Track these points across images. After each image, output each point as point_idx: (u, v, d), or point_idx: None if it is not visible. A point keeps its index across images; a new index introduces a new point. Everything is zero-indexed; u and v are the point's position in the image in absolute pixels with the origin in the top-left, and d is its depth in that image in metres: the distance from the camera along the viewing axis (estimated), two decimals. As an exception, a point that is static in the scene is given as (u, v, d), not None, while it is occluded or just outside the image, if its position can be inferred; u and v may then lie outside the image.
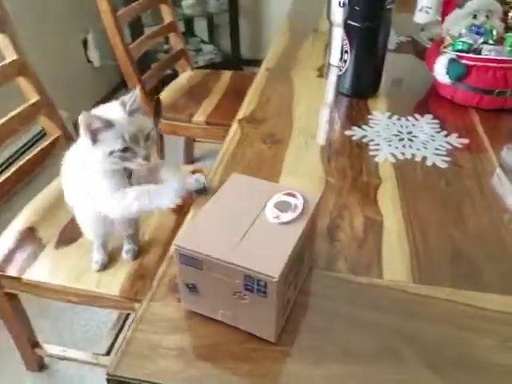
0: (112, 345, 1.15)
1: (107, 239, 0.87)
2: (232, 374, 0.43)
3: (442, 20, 0.95)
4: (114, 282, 0.86)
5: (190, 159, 2.00)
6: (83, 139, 0.62)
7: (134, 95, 0.64)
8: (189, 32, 2.87)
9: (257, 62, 1.10)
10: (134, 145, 0.62)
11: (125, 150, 0.61)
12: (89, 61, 2.34)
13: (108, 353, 1.13)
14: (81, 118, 0.59)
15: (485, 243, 0.57)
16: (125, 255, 0.89)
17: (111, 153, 0.61)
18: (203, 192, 0.66)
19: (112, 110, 0.64)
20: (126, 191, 0.65)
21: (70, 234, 0.95)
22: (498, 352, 0.44)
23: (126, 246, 0.89)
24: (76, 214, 0.81)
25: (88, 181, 0.68)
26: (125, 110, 0.63)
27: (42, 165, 1.09)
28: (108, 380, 0.43)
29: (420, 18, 1.29)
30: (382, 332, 0.46)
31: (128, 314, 1.20)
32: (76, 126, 0.66)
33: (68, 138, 1.17)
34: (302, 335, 0.46)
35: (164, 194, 0.62)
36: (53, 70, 1.98)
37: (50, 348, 1.16)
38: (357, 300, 0.50)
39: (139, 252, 0.90)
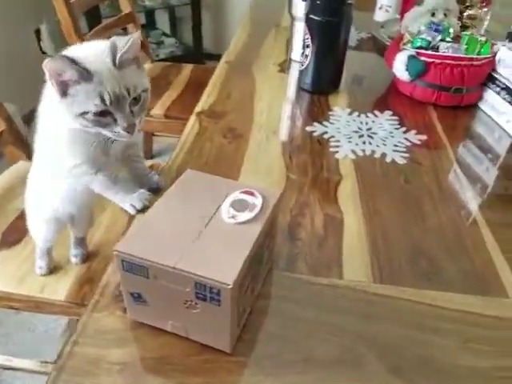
0: (62, 352, 1.08)
1: (53, 245, 0.80)
2: (182, 389, 0.39)
3: (401, 17, 0.95)
4: (59, 287, 0.80)
5: (148, 154, 1.93)
6: (49, 88, 0.49)
7: (131, 41, 0.48)
8: (150, 24, 2.78)
9: (219, 57, 1.06)
10: (115, 109, 0.48)
11: (102, 113, 0.48)
12: (43, 52, 2.21)
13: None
14: (47, 63, 0.45)
15: (444, 241, 0.56)
16: (73, 259, 0.83)
17: (83, 114, 0.48)
18: (157, 191, 0.62)
19: (96, 55, 0.48)
20: (95, 176, 0.55)
21: (13, 235, 0.88)
22: (459, 353, 0.43)
23: (74, 250, 0.83)
24: (29, 209, 0.73)
25: (52, 138, 0.55)
26: (114, 58, 0.48)
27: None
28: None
29: (380, 16, 1.29)
30: (343, 335, 0.44)
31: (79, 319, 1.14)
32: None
33: (13, 132, 1.09)
34: (259, 344, 0.43)
35: (131, 200, 0.56)
36: (1, 61, 1.85)
37: (-6, 358, 1.08)
38: (317, 302, 0.48)
39: (87, 255, 0.85)
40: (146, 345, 0.43)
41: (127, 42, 0.49)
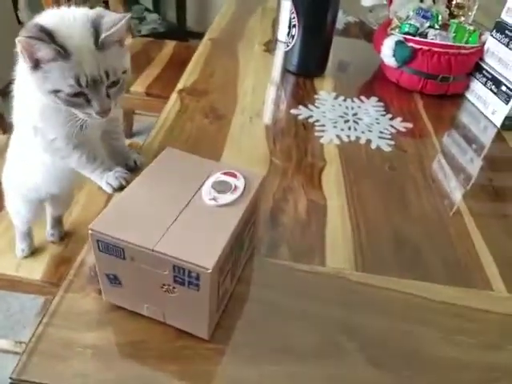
0: (34, 333, 1.05)
1: (32, 226, 0.77)
2: (157, 375, 0.38)
3: (390, 2, 0.94)
4: (35, 266, 0.78)
5: (128, 133, 1.88)
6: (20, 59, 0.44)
7: (120, 24, 0.44)
8: (132, -1, 2.68)
9: (203, 35, 1.03)
10: (91, 91, 0.45)
11: (76, 94, 0.44)
12: (20, 22, 2.10)
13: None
14: (20, 37, 0.40)
15: (428, 230, 0.56)
16: (50, 237, 0.81)
17: (55, 92, 0.44)
18: (135, 170, 0.59)
19: (76, 29, 0.43)
20: (72, 152, 0.51)
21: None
22: (443, 345, 0.43)
23: (51, 230, 0.80)
24: (8, 189, 0.70)
25: (28, 112, 0.51)
26: (96, 39, 0.43)
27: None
28: (11, 384, 0.37)
29: (367, 1, 1.27)
30: (323, 325, 0.43)
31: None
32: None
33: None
34: (238, 331, 0.42)
35: (108, 178, 0.53)
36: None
37: (-34, 336, 1.06)
38: (298, 290, 0.47)
39: (64, 234, 0.82)
40: (121, 328, 0.41)
41: (115, 23, 0.44)
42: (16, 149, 0.63)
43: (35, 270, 0.78)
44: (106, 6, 2.25)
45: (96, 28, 0.44)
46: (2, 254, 0.79)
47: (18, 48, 0.42)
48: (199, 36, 1.00)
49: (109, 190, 0.54)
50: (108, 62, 0.45)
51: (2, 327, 1.20)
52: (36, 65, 0.43)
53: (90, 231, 0.37)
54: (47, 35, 0.41)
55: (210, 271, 0.35)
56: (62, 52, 0.42)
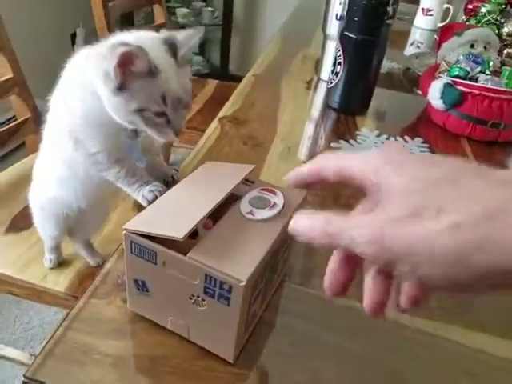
0: (53, 335, 1.04)
1: (60, 241, 0.77)
2: (176, 395, 0.35)
3: (439, 47, 0.94)
4: (61, 278, 0.78)
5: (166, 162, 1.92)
6: (97, 73, 0.42)
7: (197, 36, 0.44)
8: (180, 41, 2.84)
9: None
10: (172, 111, 0.44)
11: (160, 114, 0.44)
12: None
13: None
14: (120, 47, 0.39)
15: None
16: (93, 263, 0.81)
17: (140, 111, 0.43)
18: (172, 185, 0.59)
19: (154, 47, 0.42)
20: (111, 166, 0.50)
21: (23, 221, 0.87)
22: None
23: (92, 256, 0.80)
24: (35, 206, 0.70)
25: (69, 125, 0.50)
26: (175, 54, 0.43)
27: (6, 147, 1.00)
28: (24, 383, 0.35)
29: (411, 52, 1.29)
30: (357, 363, 0.39)
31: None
32: None
33: (38, 123, 1.09)
34: (264, 359, 0.39)
35: (144, 191, 0.53)
36: (36, 60, 1.89)
37: (-14, 343, 1.05)
38: (332, 324, 0.43)
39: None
40: (142, 340, 0.39)
41: (190, 36, 0.44)
42: (45, 165, 0.62)
43: (60, 283, 0.77)
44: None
45: (172, 45, 0.44)
46: (31, 263, 0.80)
47: (113, 62, 0.40)
48: (240, 79, 1.02)
49: (144, 203, 0.54)
50: (185, 81, 0.46)
51: (20, 339, 1.20)
52: (122, 85, 0.42)
53: (124, 231, 0.36)
54: (145, 51, 0.41)
55: (243, 284, 0.33)
56: (153, 68, 0.42)
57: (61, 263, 0.79)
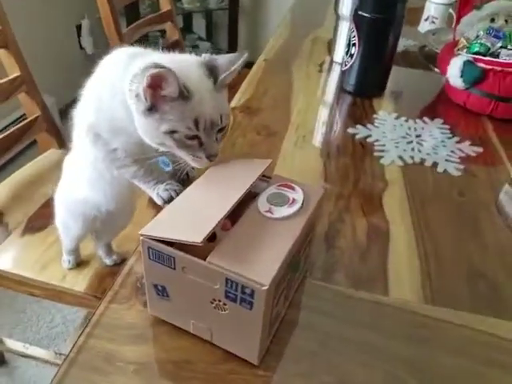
0: (76, 343, 1.06)
1: (80, 242, 0.77)
2: (201, 400, 0.34)
3: (457, 22, 0.89)
4: (80, 278, 0.78)
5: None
6: (129, 95, 0.42)
7: (241, 59, 0.44)
8: (187, 28, 2.80)
9: (253, 64, 1.03)
10: (205, 135, 0.43)
11: (192, 137, 0.43)
12: (81, 47, 2.24)
13: (71, 354, 1.04)
14: (152, 71, 0.38)
15: (505, 262, 0.50)
16: (109, 262, 0.80)
17: (170, 133, 0.42)
18: (187, 183, 0.58)
19: (191, 71, 0.42)
20: (130, 164, 0.49)
21: (38, 221, 0.87)
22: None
23: (106, 257, 0.80)
24: (60, 205, 0.68)
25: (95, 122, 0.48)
26: (215, 79, 0.43)
27: (17, 146, 1.01)
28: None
29: (425, 28, 1.23)
30: (384, 359, 0.38)
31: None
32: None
33: (48, 120, 1.08)
34: (289, 359, 0.38)
35: (159, 190, 0.51)
36: (42, 54, 1.89)
37: (11, 343, 1.08)
38: (357, 319, 0.42)
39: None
40: (165, 345, 0.38)
41: (232, 61, 0.43)
42: (74, 165, 0.61)
43: (79, 283, 0.77)
44: (163, 34, 2.36)
45: (212, 69, 0.43)
46: (49, 264, 0.80)
47: (144, 84, 0.40)
48: (249, 65, 1.00)
49: (159, 201, 0.53)
50: (222, 105, 0.44)
51: (44, 337, 1.22)
52: (153, 106, 0.41)
53: (141, 237, 0.35)
54: (176, 75, 0.40)
55: (266, 288, 0.32)
56: (185, 92, 0.41)
57: (79, 263, 0.79)
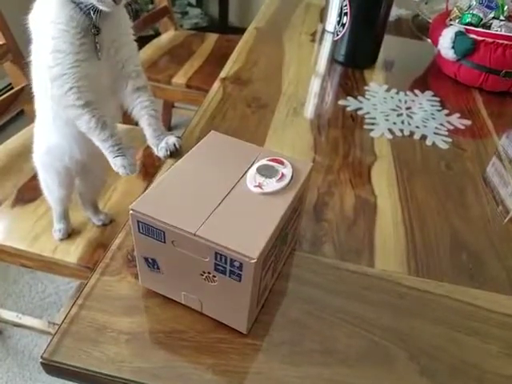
0: (68, 314, 1.08)
1: (67, 206, 0.77)
2: (191, 367, 0.36)
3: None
4: (71, 249, 0.78)
5: (166, 125, 1.89)
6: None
7: None
8: (176, -6, 2.70)
9: (245, 31, 1.00)
10: None
11: None
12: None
13: (64, 323, 1.06)
14: None
15: (488, 234, 0.51)
16: (97, 222, 0.81)
17: None
18: (175, 154, 0.57)
19: None
20: (83, 112, 0.51)
21: (29, 193, 0.87)
22: (503, 361, 0.38)
23: (94, 217, 0.80)
24: (39, 166, 0.69)
25: (41, 58, 0.51)
26: None
27: (4, 116, 0.98)
28: (43, 364, 0.35)
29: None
30: (371, 329, 0.40)
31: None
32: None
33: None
34: (277, 328, 0.39)
35: (116, 162, 0.52)
36: (26, 20, 1.81)
37: (4, 313, 1.09)
38: (344, 290, 0.43)
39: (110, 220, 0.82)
40: (156, 316, 0.39)
41: None
42: (40, 118, 0.62)
43: (71, 254, 0.78)
44: (152, 0, 2.28)
45: None
46: (40, 236, 0.80)
47: None
48: (241, 31, 0.97)
49: (121, 171, 0.53)
50: None
51: (37, 307, 1.23)
52: None
53: (130, 211, 0.35)
54: None
55: (254, 261, 0.32)
56: None
57: (70, 234, 0.80)
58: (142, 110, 0.57)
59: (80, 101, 0.51)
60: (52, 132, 0.61)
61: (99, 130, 0.52)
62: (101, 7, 0.48)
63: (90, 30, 0.50)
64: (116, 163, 0.52)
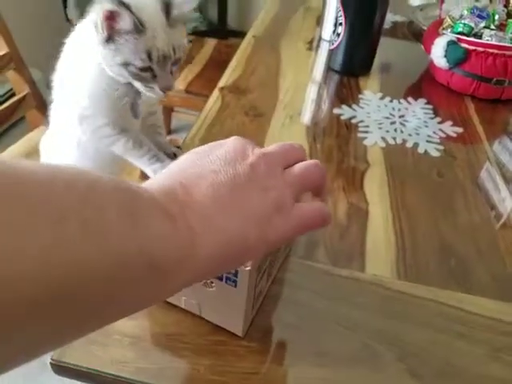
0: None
1: None
2: (191, 367, 0.38)
3: (442, 0, 0.90)
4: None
5: (166, 130, 1.91)
6: (90, 27, 0.45)
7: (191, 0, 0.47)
8: (175, -3, 2.73)
9: (244, 34, 1.03)
10: (158, 67, 0.47)
11: (144, 69, 0.46)
12: (68, 19, 2.18)
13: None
14: (103, 5, 0.42)
15: (476, 241, 0.53)
16: None
17: (125, 65, 0.46)
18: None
19: (146, 5, 0.45)
20: (119, 137, 0.53)
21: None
22: (489, 363, 0.40)
23: None
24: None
25: (75, 99, 0.52)
26: (168, 13, 0.46)
27: (6, 124, 1.01)
28: (52, 365, 0.38)
29: (415, 0, 1.23)
30: (361, 332, 0.42)
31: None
32: (50, 87, 0.56)
33: (37, 97, 1.08)
34: (272, 331, 0.42)
35: (156, 168, 0.54)
36: (28, 26, 1.84)
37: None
38: (336, 294, 0.45)
39: None
40: (158, 320, 0.41)
41: (186, 1, 0.46)
42: (54, 145, 0.63)
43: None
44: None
45: (167, 5, 0.46)
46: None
47: (99, 17, 0.43)
48: (240, 35, 0.99)
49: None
50: (176, 39, 0.47)
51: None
52: (109, 37, 0.44)
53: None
54: (128, 8, 0.43)
55: (248, 268, 0.34)
56: (139, 26, 0.43)
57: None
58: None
59: (115, 130, 0.53)
60: (74, 156, 0.61)
61: (136, 150, 0.54)
62: (148, 94, 0.49)
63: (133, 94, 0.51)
64: (155, 169, 0.54)
